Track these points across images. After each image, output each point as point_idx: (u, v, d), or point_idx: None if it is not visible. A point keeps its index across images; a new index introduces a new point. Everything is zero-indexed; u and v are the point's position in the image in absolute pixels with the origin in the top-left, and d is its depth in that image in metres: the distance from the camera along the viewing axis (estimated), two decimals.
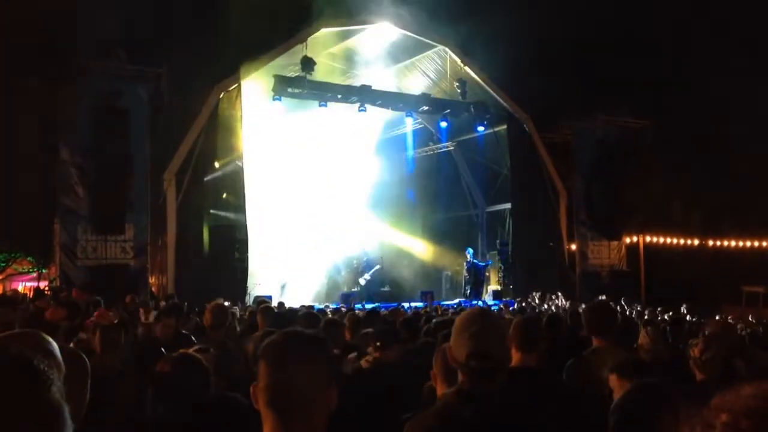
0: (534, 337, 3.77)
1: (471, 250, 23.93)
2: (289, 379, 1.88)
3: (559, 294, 20.01)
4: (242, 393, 3.17)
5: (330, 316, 8.39)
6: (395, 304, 17.35)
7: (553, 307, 17.82)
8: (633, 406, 2.34)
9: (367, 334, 5.76)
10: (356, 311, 10.49)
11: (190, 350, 4.46)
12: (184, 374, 3.09)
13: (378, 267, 23.78)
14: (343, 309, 13.72)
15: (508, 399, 2.44)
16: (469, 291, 22.99)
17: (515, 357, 3.64)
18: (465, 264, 23.75)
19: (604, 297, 19.02)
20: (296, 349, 1.95)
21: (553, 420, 2.53)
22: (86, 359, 2.43)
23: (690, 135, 24.35)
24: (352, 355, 5.27)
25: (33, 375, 1.19)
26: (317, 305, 17.41)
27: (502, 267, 23.95)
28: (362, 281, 23.11)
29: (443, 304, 18.39)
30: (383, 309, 13.20)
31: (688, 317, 13.96)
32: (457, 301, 21.23)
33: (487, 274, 24.66)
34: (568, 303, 18.40)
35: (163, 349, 5.01)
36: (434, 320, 7.13)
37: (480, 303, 20.34)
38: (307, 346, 1.97)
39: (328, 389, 1.92)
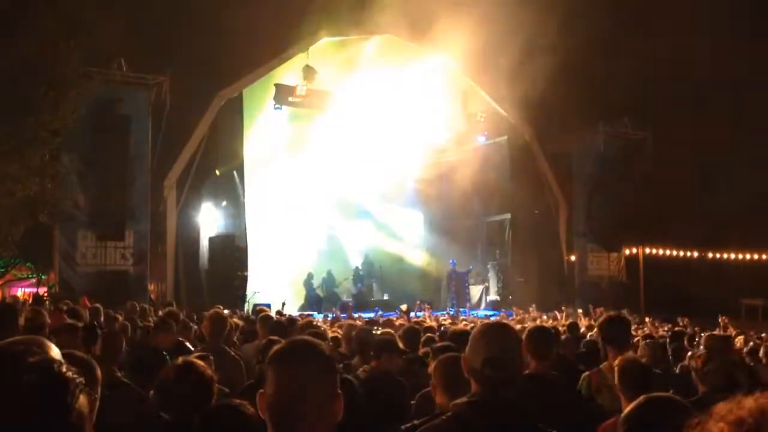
0: (547, 346, 3.79)
1: (454, 261, 23.97)
2: (297, 388, 1.86)
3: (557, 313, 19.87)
4: (241, 400, 3.17)
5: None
6: (393, 313, 17.36)
7: (551, 320, 17.77)
8: (641, 420, 2.34)
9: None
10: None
11: (191, 357, 4.46)
12: (187, 382, 3.08)
13: (358, 269, 23.90)
14: (341, 318, 13.73)
15: (524, 406, 2.44)
16: (453, 301, 23.00)
17: (530, 365, 3.67)
18: (447, 273, 23.83)
19: (602, 308, 19.06)
20: (305, 357, 1.93)
21: (568, 426, 2.53)
22: (97, 366, 2.43)
23: (690, 146, 24.38)
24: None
25: (60, 384, 1.14)
26: (316, 314, 17.43)
27: (501, 277, 23.93)
28: (353, 290, 23.16)
29: (440, 313, 18.43)
30: (384, 317, 13.20)
31: (687, 330, 13.94)
32: (451, 310, 21.18)
33: (487, 285, 24.67)
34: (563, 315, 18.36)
35: (166, 357, 5.00)
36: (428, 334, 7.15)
37: (463, 311, 20.30)
38: (316, 354, 1.95)
39: (336, 399, 1.90)
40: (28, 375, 1.13)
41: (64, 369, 1.18)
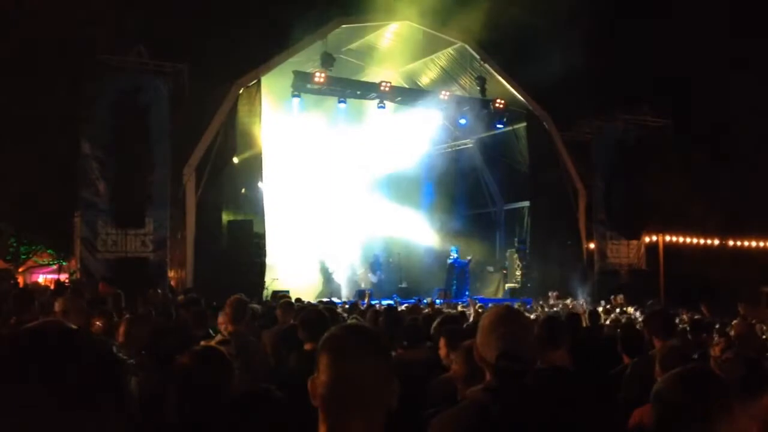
0: (559, 335, 3.77)
1: (455, 249, 23.90)
2: (352, 374, 1.84)
3: (569, 299, 19.75)
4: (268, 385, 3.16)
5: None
6: (411, 300, 17.37)
7: (570, 306, 17.71)
8: (673, 393, 2.28)
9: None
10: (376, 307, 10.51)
11: (212, 343, 4.47)
12: (206, 368, 3.07)
13: (377, 256, 23.97)
14: (360, 304, 13.75)
15: (537, 397, 2.41)
16: (453, 290, 22.81)
17: (542, 355, 3.64)
18: (448, 261, 23.72)
19: (622, 296, 18.97)
20: (361, 342, 1.91)
21: (582, 418, 2.51)
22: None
23: (711, 133, 24.14)
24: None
25: (115, 366, 1.11)
26: (339, 301, 17.49)
27: (520, 265, 23.84)
28: (373, 278, 23.14)
29: (461, 301, 18.40)
30: (402, 305, 13.21)
31: (707, 318, 13.84)
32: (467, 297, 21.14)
33: (505, 272, 24.58)
34: (579, 302, 18.27)
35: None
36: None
37: (462, 301, 20.25)
38: (370, 340, 1.93)
39: (391, 385, 1.88)
40: (85, 356, 1.09)
41: (116, 350, 1.15)
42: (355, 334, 1.95)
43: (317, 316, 5.26)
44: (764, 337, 9.43)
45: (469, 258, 24.20)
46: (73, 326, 1.19)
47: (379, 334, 1.99)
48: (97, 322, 5.80)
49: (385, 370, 1.89)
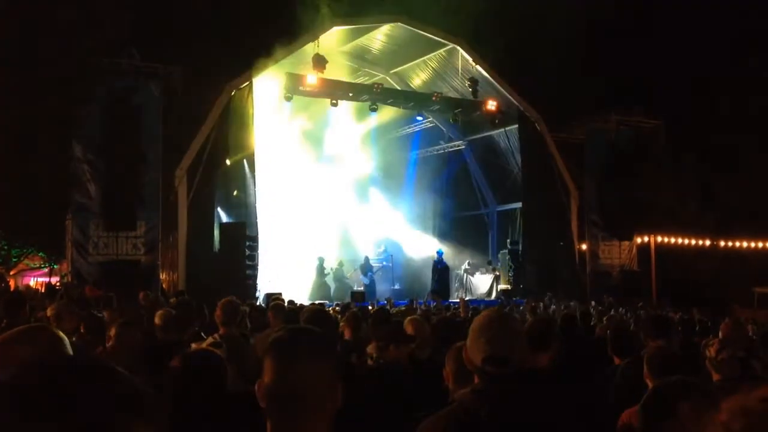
0: (547, 338, 3.77)
1: (441, 251, 23.90)
2: (295, 376, 1.85)
3: (551, 298, 19.73)
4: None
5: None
6: (404, 302, 17.38)
7: (562, 307, 17.73)
8: (659, 404, 2.33)
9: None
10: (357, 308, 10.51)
11: (203, 345, 4.47)
12: (200, 371, 3.06)
13: (380, 265, 23.94)
14: (353, 307, 13.74)
15: (522, 399, 2.41)
16: (435, 293, 22.69)
17: (529, 358, 3.65)
18: (433, 263, 23.74)
19: (611, 298, 19.04)
20: (303, 345, 1.91)
21: (566, 420, 2.51)
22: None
23: (703, 135, 24.23)
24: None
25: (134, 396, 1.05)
26: (329, 303, 17.47)
27: (513, 266, 23.88)
28: (365, 280, 23.14)
29: (450, 303, 18.40)
30: (397, 306, 13.21)
31: (698, 318, 13.89)
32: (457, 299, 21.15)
33: (498, 274, 24.61)
34: (571, 303, 18.30)
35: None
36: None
37: (474, 302, 20.23)
38: (314, 342, 1.94)
39: (335, 387, 1.89)
40: (117, 389, 1.04)
41: (136, 386, 1.09)
42: (297, 336, 1.96)
43: (320, 317, 5.25)
44: (753, 335, 9.47)
45: (447, 264, 24.16)
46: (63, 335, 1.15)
47: (323, 335, 2.00)
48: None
49: (329, 371, 1.90)
